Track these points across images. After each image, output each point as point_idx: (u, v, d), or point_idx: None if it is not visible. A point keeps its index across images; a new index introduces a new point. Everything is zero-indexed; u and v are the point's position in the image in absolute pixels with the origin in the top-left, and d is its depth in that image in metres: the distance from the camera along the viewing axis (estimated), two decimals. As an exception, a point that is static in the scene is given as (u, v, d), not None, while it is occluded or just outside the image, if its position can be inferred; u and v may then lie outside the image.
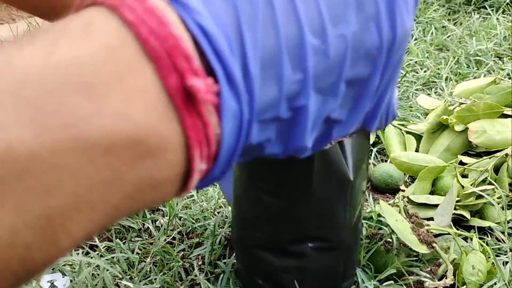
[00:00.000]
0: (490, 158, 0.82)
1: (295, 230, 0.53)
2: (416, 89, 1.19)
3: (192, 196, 0.84)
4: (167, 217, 0.78)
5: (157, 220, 0.79)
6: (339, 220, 0.53)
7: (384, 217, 0.71)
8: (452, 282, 0.56)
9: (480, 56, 1.30)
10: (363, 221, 0.73)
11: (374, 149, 0.99)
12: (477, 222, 0.73)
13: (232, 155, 0.26)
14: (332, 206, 0.51)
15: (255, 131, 0.28)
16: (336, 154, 0.48)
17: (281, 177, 0.49)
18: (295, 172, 0.49)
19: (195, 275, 0.65)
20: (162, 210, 0.81)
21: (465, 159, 0.86)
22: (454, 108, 0.92)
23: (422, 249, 0.59)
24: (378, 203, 0.70)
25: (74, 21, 0.22)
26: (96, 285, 0.59)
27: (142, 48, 0.22)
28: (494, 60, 1.29)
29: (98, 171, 0.22)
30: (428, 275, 0.57)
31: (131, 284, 0.55)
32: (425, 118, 1.02)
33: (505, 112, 0.89)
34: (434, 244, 0.60)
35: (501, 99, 0.92)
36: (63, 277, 0.62)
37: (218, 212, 0.79)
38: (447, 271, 0.59)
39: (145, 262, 0.70)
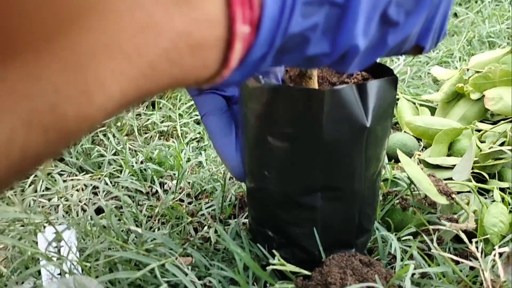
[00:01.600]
0: (507, 122, 0.80)
1: (306, 178, 0.50)
2: (429, 69, 1.17)
3: (201, 163, 0.82)
4: (176, 181, 0.76)
5: (166, 183, 0.77)
6: (352, 169, 0.49)
7: (399, 179, 0.69)
8: (474, 226, 0.53)
9: (493, 37, 1.28)
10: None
11: (387, 123, 0.97)
12: (496, 183, 0.71)
13: (275, 31, 0.25)
14: (344, 153, 0.48)
15: (299, 11, 0.26)
16: (350, 96, 0.45)
17: (291, 117, 0.47)
18: (305, 111, 0.46)
19: (206, 232, 0.63)
20: (170, 176, 0.80)
21: (482, 125, 0.83)
22: (470, 77, 0.90)
23: (442, 200, 0.57)
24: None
25: None
26: (104, 227, 0.57)
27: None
28: (507, 42, 1.27)
29: (133, 14, 0.20)
30: (447, 223, 0.54)
31: (139, 230, 0.53)
32: (438, 93, 1.00)
33: (522, 80, 0.87)
34: (453, 195, 0.58)
35: (517, 68, 0.89)
36: (68, 229, 0.60)
37: (228, 175, 0.77)
38: (467, 222, 0.56)
39: (153, 222, 0.68)
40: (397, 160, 0.85)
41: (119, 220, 0.65)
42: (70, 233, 0.59)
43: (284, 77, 0.52)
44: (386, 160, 0.75)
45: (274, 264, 0.48)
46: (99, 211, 0.72)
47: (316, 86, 0.50)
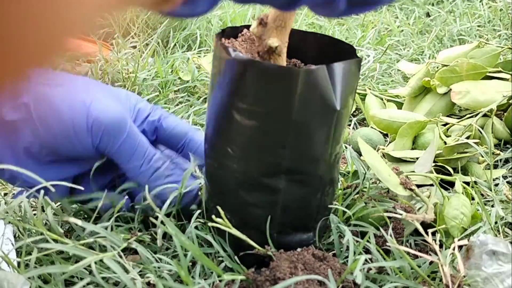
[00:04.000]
0: (473, 116, 0.78)
1: (271, 159, 0.47)
2: (399, 66, 1.15)
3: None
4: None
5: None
6: (318, 152, 0.47)
7: (360, 172, 0.66)
8: (432, 218, 0.51)
9: (464, 35, 1.27)
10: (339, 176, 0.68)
11: (354, 119, 0.95)
12: (459, 177, 0.68)
13: None
14: (312, 135, 0.46)
15: None
16: (323, 78, 0.43)
17: (261, 94, 0.44)
18: (277, 90, 0.44)
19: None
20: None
21: (449, 120, 0.81)
22: (437, 71, 0.88)
23: (401, 191, 0.54)
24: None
25: None
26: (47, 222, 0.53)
27: None
28: (478, 41, 1.26)
29: None
30: (403, 213, 0.51)
31: (78, 221, 0.49)
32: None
33: (489, 74, 0.85)
34: (413, 187, 0.55)
35: (485, 62, 0.88)
36: (4, 224, 0.56)
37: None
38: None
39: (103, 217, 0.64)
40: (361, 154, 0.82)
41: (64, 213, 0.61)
42: (5, 228, 0.55)
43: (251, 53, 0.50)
44: (351, 154, 0.72)
45: (217, 222, 0.45)
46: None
47: (284, 63, 0.48)
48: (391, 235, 0.50)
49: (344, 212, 0.61)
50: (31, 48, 0.20)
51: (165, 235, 0.60)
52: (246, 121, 0.46)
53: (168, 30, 1.26)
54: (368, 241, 0.50)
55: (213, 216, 0.47)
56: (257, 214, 0.50)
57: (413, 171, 0.66)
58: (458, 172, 0.69)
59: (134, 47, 1.18)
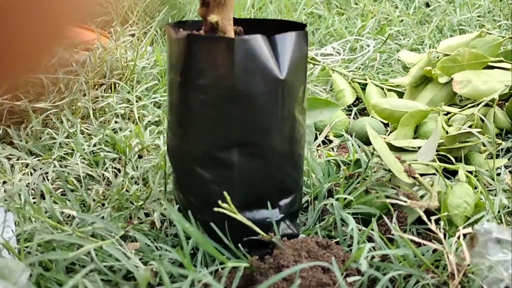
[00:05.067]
0: (475, 106, 0.77)
1: (222, 132, 0.48)
2: (399, 56, 1.14)
3: (158, 146, 0.78)
4: (125, 164, 0.71)
5: (118, 168, 0.73)
6: (269, 123, 0.48)
7: (362, 160, 0.65)
8: (436, 205, 0.50)
9: (464, 25, 1.26)
10: (340, 164, 0.68)
11: (355, 109, 0.94)
12: (462, 166, 0.68)
13: None
14: (259, 106, 0.47)
15: None
16: (262, 46, 0.45)
17: (203, 66, 0.47)
18: (217, 60, 0.46)
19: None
20: (124, 160, 0.75)
21: (450, 109, 0.81)
22: (438, 60, 0.87)
23: (405, 178, 0.54)
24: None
25: None
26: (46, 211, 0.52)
27: None
28: (478, 31, 1.26)
29: None
30: (408, 200, 0.51)
31: (73, 212, 0.49)
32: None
33: (490, 64, 0.85)
34: (416, 175, 0.55)
35: (486, 52, 0.87)
36: (5, 212, 0.56)
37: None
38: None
39: (101, 207, 0.64)
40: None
41: (65, 203, 0.60)
42: (6, 216, 0.55)
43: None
44: (356, 142, 0.71)
45: (224, 208, 0.45)
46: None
47: None
48: (399, 222, 0.50)
49: (346, 200, 0.60)
50: (29, 39, 0.20)
51: (163, 223, 0.59)
52: (194, 96, 0.48)
53: (167, 18, 1.25)
54: (372, 229, 0.49)
55: (219, 202, 0.46)
56: (216, 191, 0.49)
57: (415, 160, 0.66)
58: (459, 162, 0.69)
59: (133, 35, 1.16)
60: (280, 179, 0.50)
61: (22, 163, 0.76)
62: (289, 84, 0.47)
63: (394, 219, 0.49)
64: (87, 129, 0.83)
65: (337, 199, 0.59)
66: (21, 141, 0.80)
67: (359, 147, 0.62)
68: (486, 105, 0.78)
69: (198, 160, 0.49)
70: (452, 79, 0.83)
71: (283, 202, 0.51)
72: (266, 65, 0.45)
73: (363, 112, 0.96)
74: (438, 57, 0.95)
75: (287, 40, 0.46)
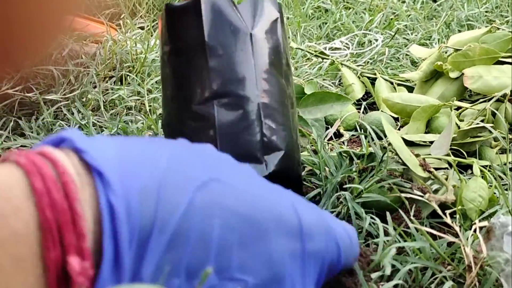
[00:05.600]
0: (487, 101, 0.78)
1: (198, 86, 0.51)
2: (408, 51, 1.14)
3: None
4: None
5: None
6: (243, 71, 0.51)
7: (375, 153, 0.66)
8: (453, 199, 0.51)
9: (472, 21, 1.26)
10: (353, 157, 0.68)
11: (364, 103, 0.94)
12: (475, 161, 0.68)
13: None
14: (232, 57, 0.51)
15: None
16: (226, 6, 0.51)
17: (176, 32, 0.52)
18: (189, 22, 0.51)
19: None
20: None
21: (461, 104, 0.81)
22: (449, 55, 0.87)
23: (420, 172, 0.54)
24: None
25: None
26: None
27: (36, 216, 0.23)
28: (486, 26, 1.26)
29: None
30: (426, 195, 0.51)
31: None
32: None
33: (501, 59, 0.85)
34: (431, 169, 0.55)
35: (497, 47, 0.87)
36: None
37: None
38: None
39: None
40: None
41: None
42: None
43: None
44: (371, 134, 0.71)
45: None
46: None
47: None
48: (414, 216, 0.50)
49: (358, 190, 0.61)
50: (34, 28, 0.21)
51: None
52: (172, 60, 0.52)
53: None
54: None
55: None
56: None
57: (427, 155, 0.66)
58: (472, 156, 0.69)
59: (141, 28, 1.17)
60: (261, 131, 0.50)
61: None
62: (261, 37, 0.52)
63: (412, 213, 0.49)
64: (99, 121, 0.84)
65: (350, 192, 0.60)
66: (32, 132, 0.81)
67: (373, 140, 0.63)
68: (497, 100, 0.78)
69: (180, 120, 0.52)
70: (462, 74, 0.83)
71: (269, 158, 0.51)
72: (233, 19, 0.51)
73: (372, 106, 0.96)
74: (446, 52, 0.95)
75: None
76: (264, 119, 0.51)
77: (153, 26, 1.17)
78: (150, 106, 0.87)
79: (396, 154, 0.56)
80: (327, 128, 0.84)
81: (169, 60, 0.53)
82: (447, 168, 0.64)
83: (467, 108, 0.78)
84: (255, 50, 0.51)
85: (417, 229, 0.49)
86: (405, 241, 0.50)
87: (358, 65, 1.05)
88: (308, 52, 1.11)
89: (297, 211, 0.31)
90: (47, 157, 0.25)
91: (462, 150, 0.68)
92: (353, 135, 0.83)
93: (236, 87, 0.50)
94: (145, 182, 0.26)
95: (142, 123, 0.80)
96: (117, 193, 0.25)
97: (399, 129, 0.84)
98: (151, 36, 1.07)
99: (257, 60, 0.51)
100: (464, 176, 0.64)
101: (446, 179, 0.58)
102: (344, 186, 0.64)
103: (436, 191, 0.59)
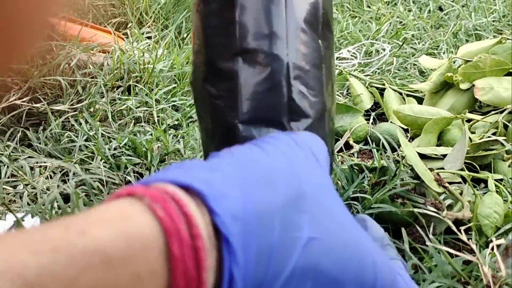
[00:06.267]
0: (498, 113, 0.77)
1: (225, 43, 0.47)
2: (415, 60, 1.14)
3: (179, 150, 0.77)
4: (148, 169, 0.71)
5: (141, 172, 0.72)
6: (272, 26, 0.46)
7: (387, 168, 0.65)
8: (470, 215, 0.50)
9: (479, 30, 1.26)
10: (365, 169, 0.67)
11: (373, 114, 0.94)
12: (490, 175, 0.68)
13: None
14: (261, 10, 0.46)
15: None
16: None
17: None
18: None
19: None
20: (145, 164, 0.75)
21: (472, 116, 0.80)
22: (459, 66, 0.87)
23: (435, 187, 0.53)
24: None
25: (110, 211, 0.25)
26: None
27: (166, 254, 0.24)
28: (494, 35, 1.25)
29: None
30: (443, 213, 0.51)
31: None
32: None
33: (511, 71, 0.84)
34: (446, 184, 0.54)
35: (507, 58, 0.87)
36: (32, 217, 0.55)
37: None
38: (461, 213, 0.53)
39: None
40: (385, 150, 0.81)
41: (86, 207, 0.60)
42: (34, 221, 0.55)
43: None
44: (389, 144, 0.71)
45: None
46: (67, 199, 0.67)
47: None
48: (432, 234, 0.49)
49: (371, 206, 0.60)
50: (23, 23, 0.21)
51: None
52: (201, 10, 0.48)
53: (181, 20, 1.25)
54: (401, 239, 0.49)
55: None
56: (221, 106, 0.47)
57: (440, 168, 0.65)
58: (484, 169, 0.69)
59: (149, 37, 1.16)
60: (288, 94, 0.46)
61: (41, 166, 0.75)
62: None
63: (431, 230, 0.48)
64: (106, 132, 0.83)
65: (363, 206, 0.59)
66: (39, 143, 0.80)
67: (385, 152, 0.62)
68: (509, 112, 0.77)
69: (206, 77, 0.48)
70: (473, 85, 0.82)
71: (295, 124, 0.46)
72: None
73: (381, 117, 0.96)
74: (454, 62, 0.95)
75: None
76: (293, 81, 0.46)
77: (161, 36, 1.16)
78: (158, 116, 0.86)
79: (411, 169, 0.55)
80: (336, 140, 0.84)
81: (198, 10, 0.49)
82: (460, 183, 0.63)
83: (478, 121, 0.77)
84: (288, 3, 0.46)
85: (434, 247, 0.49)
86: (420, 257, 0.49)
87: (366, 75, 1.05)
88: (316, 61, 1.10)
89: (376, 273, 0.32)
90: (181, 208, 0.25)
91: (474, 164, 0.67)
92: (363, 147, 0.83)
93: (263, 43, 0.46)
94: (262, 246, 0.27)
95: (151, 134, 0.80)
96: (240, 263, 0.25)
97: (409, 141, 0.83)
98: (159, 45, 1.07)
99: (289, 15, 0.46)
100: (478, 190, 0.64)
101: (461, 193, 0.58)
102: (353, 196, 0.63)
103: (449, 206, 0.58)
